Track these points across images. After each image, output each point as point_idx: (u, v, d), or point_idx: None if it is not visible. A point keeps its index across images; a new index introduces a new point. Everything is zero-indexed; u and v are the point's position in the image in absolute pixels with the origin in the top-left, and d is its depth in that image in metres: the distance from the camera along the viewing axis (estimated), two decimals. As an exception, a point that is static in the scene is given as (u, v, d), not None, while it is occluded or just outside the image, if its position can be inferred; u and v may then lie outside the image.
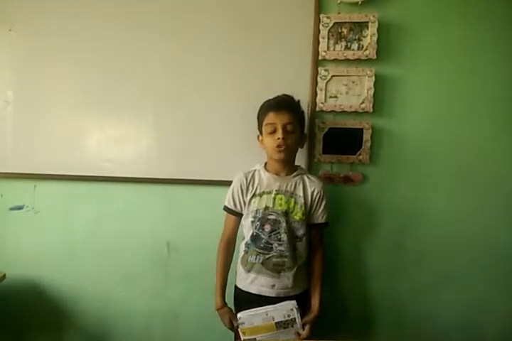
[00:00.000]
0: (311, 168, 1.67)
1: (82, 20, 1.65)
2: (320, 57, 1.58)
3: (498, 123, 1.63)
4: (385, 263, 1.70)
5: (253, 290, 1.46)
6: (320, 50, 1.57)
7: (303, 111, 1.51)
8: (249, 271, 1.47)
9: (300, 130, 1.47)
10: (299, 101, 1.49)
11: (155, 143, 1.69)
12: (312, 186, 1.49)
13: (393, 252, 1.69)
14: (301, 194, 1.47)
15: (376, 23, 1.53)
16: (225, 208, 1.51)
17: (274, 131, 1.42)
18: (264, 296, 1.45)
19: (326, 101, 1.61)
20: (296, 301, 1.43)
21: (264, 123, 1.44)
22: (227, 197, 1.51)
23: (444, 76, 1.62)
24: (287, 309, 1.42)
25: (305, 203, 1.47)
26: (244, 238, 1.51)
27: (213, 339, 1.71)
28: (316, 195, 1.49)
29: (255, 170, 1.51)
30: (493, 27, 1.59)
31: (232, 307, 1.51)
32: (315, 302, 1.49)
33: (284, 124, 1.41)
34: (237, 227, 1.53)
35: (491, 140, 1.65)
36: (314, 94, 1.61)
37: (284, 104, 1.44)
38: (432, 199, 1.67)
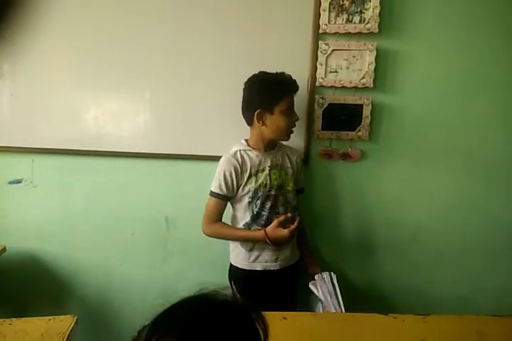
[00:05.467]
0: (310, 144, 1.66)
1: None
2: (321, 31, 1.54)
3: (499, 100, 1.62)
4: (382, 237, 1.72)
5: (258, 267, 1.49)
6: (321, 23, 1.53)
7: None
8: (251, 249, 1.48)
9: None
10: None
11: (153, 119, 1.67)
12: (294, 155, 1.56)
13: (390, 227, 1.71)
14: (289, 165, 1.52)
15: (379, -5, 1.50)
16: (215, 194, 1.46)
17: (289, 113, 1.43)
18: (269, 270, 1.49)
19: (326, 76, 1.58)
20: (294, 269, 1.55)
21: (283, 104, 1.41)
22: (216, 182, 1.46)
23: (448, 51, 1.60)
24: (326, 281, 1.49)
25: (293, 172, 1.52)
26: (236, 221, 1.51)
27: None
28: (299, 162, 1.57)
29: (239, 151, 1.49)
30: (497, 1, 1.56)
31: (227, 286, 1.52)
32: (313, 259, 1.63)
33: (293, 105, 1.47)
34: (224, 211, 1.50)
35: (493, 117, 1.64)
36: (314, 69, 1.58)
37: (297, 86, 1.46)
38: (430, 176, 1.68)
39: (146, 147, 1.68)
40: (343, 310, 1.38)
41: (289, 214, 1.44)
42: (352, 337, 1.16)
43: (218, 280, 1.57)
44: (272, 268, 1.49)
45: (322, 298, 1.43)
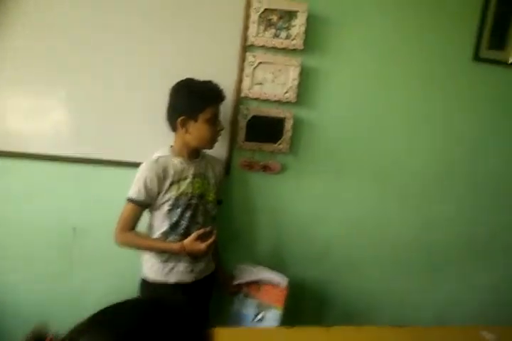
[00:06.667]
0: (232, 155, 1.65)
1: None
2: (249, 43, 1.55)
3: (417, 119, 1.76)
4: (296, 249, 1.76)
5: (171, 279, 1.44)
6: (249, 35, 1.54)
7: None
8: (166, 261, 1.43)
9: None
10: None
11: (66, 120, 1.55)
12: (217, 165, 1.56)
13: (304, 239, 1.76)
14: (211, 174, 1.51)
15: (305, 14, 1.53)
16: (132, 200, 1.38)
17: (213, 122, 1.41)
18: (182, 283, 1.45)
19: (251, 87, 1.59)
20: (208, 281, 1.53)
21: (208, 112, 1.39)
22: (135, 188, 1.38)
23: (368, 72, 1.70)
24: None
25: (215, 182, 1.51)
26: (153, 229, 1.45)
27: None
28: (222, 173, 1.58)
29: (162, 157, 1.43)
30: (413, 25, 1.69)
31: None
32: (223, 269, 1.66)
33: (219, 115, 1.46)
34: (140, 219, 1.43)
35: (406, 136, 1.77)
36: (240, 80, 1.58)
37: (223, 96, 1.45)
38: (344, 190, 1.76)
39: (56, 149, 1.54)
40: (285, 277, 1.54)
41: (208, 229, 1.42)
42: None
43: (127, 294, 1.50)
44: (186, 281, 1.46)
45: (260, 277, 1.55)
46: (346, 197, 1.76)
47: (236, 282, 1.59)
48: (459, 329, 1.41)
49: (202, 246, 1.38)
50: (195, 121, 1.39)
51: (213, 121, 1.41)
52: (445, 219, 1.85)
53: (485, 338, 1.29)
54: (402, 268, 1.84)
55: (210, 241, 1.39)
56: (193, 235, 1.39)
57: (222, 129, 1.46)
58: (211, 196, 1.49)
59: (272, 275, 1.55)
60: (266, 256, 1.75)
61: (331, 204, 1.76)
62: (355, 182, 1.76)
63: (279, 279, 1.53)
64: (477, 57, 1.75)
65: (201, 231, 1.40)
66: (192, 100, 1.39)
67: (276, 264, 1.74)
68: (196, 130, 1.40)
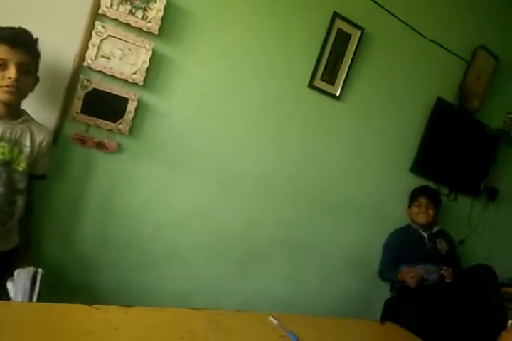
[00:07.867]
0: (63, 125, 1.55)
1: None
2: (100, 11, 1.49)
3: (255, 126, 1.93)
4: (122, 232, 1.72)
5: None
6: (102, 3, 1.49)
7: (40, 52, 1.34)
8: None
9: (35, 72, 1.34)
10: (37, 39, 1.31)
11: None
12: (41, 135, 1.39)
13: (132, 223, 1.73)
14: (28, 143, 1.35)
15: (165, 0, 1.56)
16: None
17: (2, 67, 1.23)
18: None
19: (96, 58, 1.53)
20: (5, 257, 1.35)
21: None
22: None
23: (218, 72, 1.79)
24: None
25: (31, 153, 1.36)
26: None
27: None
28: (45, 145, 1.40)
29: None
30: (264, 43, 1.87)
31: None
32: (27, 251, 1.46)
33: (20, 64, 1.25)
34: None
35: (246, 139, 1.91)
36: (85, 48, 1.51)
37: (23, 41, 1.27)
38: (178, 180, 1.80)
39: None
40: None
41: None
42: (47, 326, 1.07)
43: None
44: None
45: (12, 295, 1.28)
46: (179, 186, 1.80)
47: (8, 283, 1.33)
48: (253, 314, 1.54)
49: None
50: None
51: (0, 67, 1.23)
52: (265, 217, 2.03)
53: (271, 322, 1.44)
54: (223, 257, 1.95)
55: None
56: None
57: (12, 78, 1.23)
58: (21, 166, 1.33)
59: (19, 299, 1.28)
60: (84, 236, 1.66)
61: (164, 191, 1.77)
62: (190, 173, 1.81)
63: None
64: (311, 85, 2.02)
65: None
66: None
67: (97, 247, 1.68)
68: None
